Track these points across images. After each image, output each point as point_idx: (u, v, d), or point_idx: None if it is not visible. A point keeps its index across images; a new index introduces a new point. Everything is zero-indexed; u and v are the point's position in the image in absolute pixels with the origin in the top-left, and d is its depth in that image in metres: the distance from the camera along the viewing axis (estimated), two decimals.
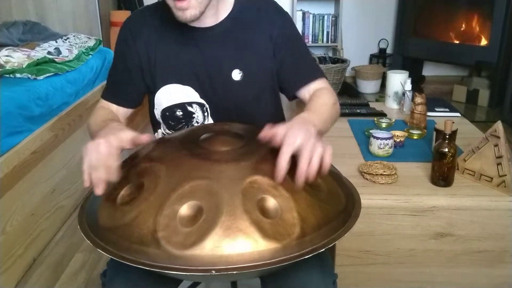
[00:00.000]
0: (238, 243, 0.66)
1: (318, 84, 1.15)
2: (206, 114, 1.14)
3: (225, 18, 1.10)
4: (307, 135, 0.77)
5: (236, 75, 1.11)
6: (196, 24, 1.06)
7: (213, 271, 0.65)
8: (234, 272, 0.65)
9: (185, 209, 0.70)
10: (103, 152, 0.77)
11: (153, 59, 1.10)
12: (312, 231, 0.71)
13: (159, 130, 1.20)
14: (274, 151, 0.84)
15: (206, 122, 1.15)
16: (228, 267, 0.65)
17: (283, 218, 0.70)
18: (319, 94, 1.12)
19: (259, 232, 0.67)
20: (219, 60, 1.10)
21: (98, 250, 0.71)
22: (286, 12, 1.17)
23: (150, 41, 1.10)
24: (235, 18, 1.11)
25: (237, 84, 1.11)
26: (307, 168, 0.74)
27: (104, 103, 1.15)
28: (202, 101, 1.13)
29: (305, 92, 1.15)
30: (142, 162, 0.83)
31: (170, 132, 1.17)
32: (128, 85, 1.14)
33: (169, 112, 1.14)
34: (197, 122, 1.15)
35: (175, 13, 0.99)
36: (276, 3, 1.16)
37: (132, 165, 0.84)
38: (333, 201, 0.79)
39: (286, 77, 1.16)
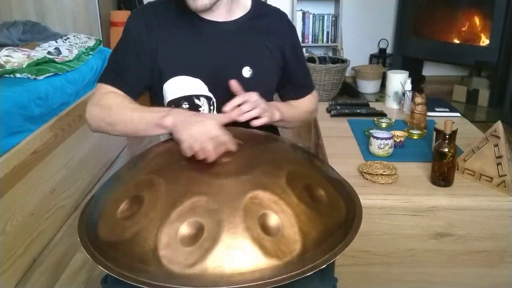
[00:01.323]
0: (239, 262, 0.66)
1: (310, 95, 1.32)
2: (212, 108, 1.15)
3: (240, 18, 1.15)
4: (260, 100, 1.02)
5: (247, 72, 1.14)
6: (210, 17, 1.10)
7: None
8: None
9: (185, 227, 0.69)
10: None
11: (163, 51, 1.10)
12: (313, 247, 0.71)
13: None
14: (273, 161, 0.83)
15: None
16: (230, 287, 0.65)
17: (285, 235, 0.70)
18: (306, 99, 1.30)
19: (260, 250, 0.67)
20: (230, 55, 1.13)
21: (99, 267, 0.71)
22: (294, 25, 1.27)
23: (160, 33, 1.10)
24: (250, 20, 1.16)
25: (247, 81, 1.13)
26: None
27: (110, 88, 1.10)
28: (210, 94, 1.13)
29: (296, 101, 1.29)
30: (141, 173, 0.82)
31: None
32: (136, 72, 1.12)
33: (175, 104, 1.14)
34: None
35: (187, 1, 1.04)
36: (287, 16, 1.25)
37: (131, 175, 0.83)
38: (334, 213, 0.79)
39: (287, 87, 1.27)
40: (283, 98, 1.31)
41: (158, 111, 0.97)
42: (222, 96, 1.13)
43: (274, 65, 1.19)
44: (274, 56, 1.18)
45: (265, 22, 1.18)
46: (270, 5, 1.24)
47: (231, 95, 1.13)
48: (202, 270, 0.65)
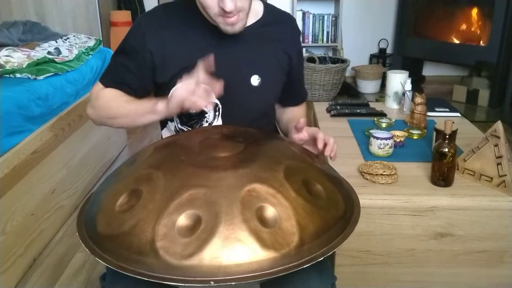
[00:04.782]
0: (236, 253, 0.66)
1: (304, 102, 1.35)
2: (217, 113, 1.15)
3: (251, 25, 1.13)
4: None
5: (255, 80, 1.14)
6: None
7: (212, 282, 0.64)
8: (233, 283, 0.65)
9: (183, 219, 0.69)
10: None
11: (173, 52, 1.10)
12: (311, 240, 0.71)
13: (170, 123, 1.20)
14: (271, 157, 0.84)
15: (215, 122, 1.15)
16: (227, 278, 0.65)
17: (282, 227, 0.70)
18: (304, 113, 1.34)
19: (257, 241, 0.67)
20: (240, 63, 1.12)
21: (97, 259, 0.71)
22: (300, 30, 1.27)
23: (166, 40, 1.10)
24: (261, 27, 1.15)
25: (255, 89, 1.14)
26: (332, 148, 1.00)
27: (114, 90, 1.14)
28: (216, 100, 1.13)
29: (292, 109, 1.32)
30: (140, 168, 0.82)
31: (183, 128, 1.17)
32: (133, 78, 1.13)
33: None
34: (207, 121, 1.15)
35: (222, 28, 1.04)
36: (295, 21, 1.25)
37: (130, 171, 0.83)
38: (332, 208, 0.79)
39: (288, 94, 1.27)
40: (283, 104, 1.32)
41: (150, 101, 1.03)
42: (228, 103, 1.14)
43: (281, 74, 1.20)
44: (281, 63, 1.18)
45: (276, 29, 1.18)
46: (280, 10, 1.23)
47: (236, 103, 1.15)
48: (200, 261, 0.65)
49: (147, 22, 1.12)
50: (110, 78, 1.16)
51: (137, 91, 1.15)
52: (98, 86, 1.17)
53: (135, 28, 1.13)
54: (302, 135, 1.04)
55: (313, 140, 1.03)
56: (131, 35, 1.13)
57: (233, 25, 1.02)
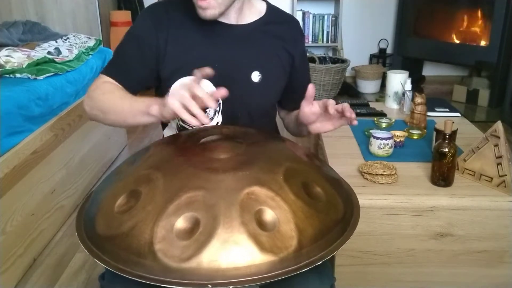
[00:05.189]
0: (234, 257, 0.66)
1: None
2: (218, 109, 1.15)
3: (252, 22, 1.15)
4: None
5: (256, 77, 1.14)
6: (221, 19, 1.10)
7: (210, 286, 0.64)
8: (231, 287, 0.65)
9: (182, 221, 0.69)
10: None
11: (173, 50, 1.10)
12: (309, 244, 0.71)
13: (172, 121, 1.19)
14: (271, 158, 0.84)
15: (216, 118, 1.15)
16: (225, 281, 0.65)
17: (281, 231, 0.69)
18: None
19: (256, 245, 0.67)
20: (240, 59, 1.13)
21: (96, 260, 0.71)
22: (304, 33, 1.28)
23: (171, 32, 1.10)
24: (263, 25, 1.16)
25: (255, 86, 1.14)
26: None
27: (109, 79, 1.12)
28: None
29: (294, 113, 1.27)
30: (140, 168, 0.82)
31: (184, 125, 1.17)
32: (138, 70, 1.12)
33: None
34: (208, 117, 1.15)
35: (197, 10, 1.05)
36: (299, 24, 1.25)
37: (130, 171, 0.83)
38: (331, 211, 0.78)
39: (292, 96, 1.25)
40: (287, 108, 1.30)
41: (145, 101, 0.98)
42: (228, 99, 1.14)
43: (282, 72, 1.19)
44: (282, 61, 1.18)
45: (279, 28, 1.18)
46: (284, 12, 1.24)
47: (237, 99, 1.14)
48: (198, 264, 0.65)
49: (155, 13, 1.13)
50: (114, 69, 1.14)
51: (140, 83, 1.14)
52: (100, 78, 1.14)
53: (143, 17, 1.13)
54: (314, 108, 1.00)
55: (326, 111, 0.99)
56: (138, 24, 1.13)
57: (203, 9, 1.03)
